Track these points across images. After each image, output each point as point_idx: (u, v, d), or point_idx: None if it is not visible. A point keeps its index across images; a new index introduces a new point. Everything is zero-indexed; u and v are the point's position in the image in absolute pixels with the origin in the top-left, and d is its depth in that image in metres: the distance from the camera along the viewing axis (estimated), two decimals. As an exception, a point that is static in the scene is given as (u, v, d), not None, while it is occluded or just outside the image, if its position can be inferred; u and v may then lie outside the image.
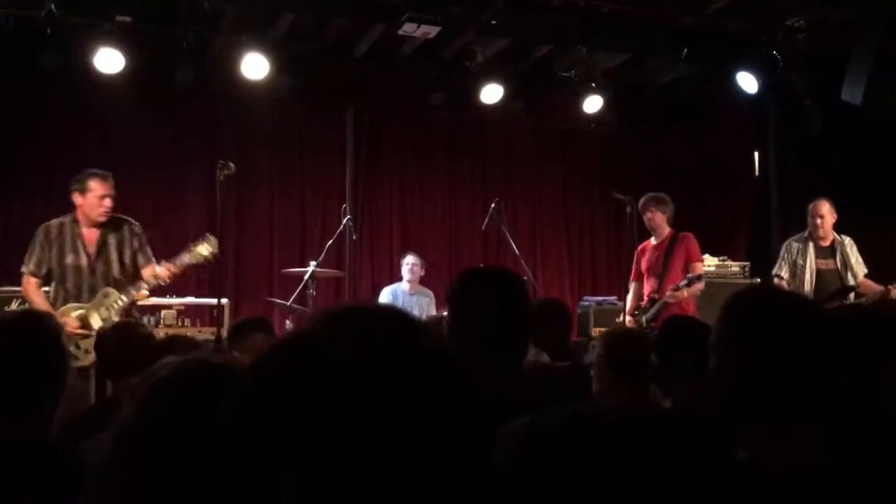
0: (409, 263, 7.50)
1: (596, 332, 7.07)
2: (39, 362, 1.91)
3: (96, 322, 5.01)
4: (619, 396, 2.91)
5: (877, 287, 6.16)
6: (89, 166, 7.33)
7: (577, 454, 1.04)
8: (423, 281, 7.53)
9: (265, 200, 8.00)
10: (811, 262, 6.40)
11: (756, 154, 8.71)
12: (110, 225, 5.19)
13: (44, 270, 5.12)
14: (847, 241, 6.41)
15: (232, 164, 5.31)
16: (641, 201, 6.39)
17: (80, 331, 4.96)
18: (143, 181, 7.56)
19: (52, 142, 7.30)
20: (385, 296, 7.50)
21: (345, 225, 7.04)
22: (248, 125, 7.78)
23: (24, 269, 5.17)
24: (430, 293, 7.56)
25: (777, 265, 6.60)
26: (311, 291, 6.70)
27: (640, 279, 6.50)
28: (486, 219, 7.33)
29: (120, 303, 5.06)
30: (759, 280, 7.24)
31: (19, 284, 6.38)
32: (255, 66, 6.74)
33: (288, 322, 6.96)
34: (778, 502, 1.38)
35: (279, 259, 7.80)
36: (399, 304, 7.35)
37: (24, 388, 1.88)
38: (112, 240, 5.19)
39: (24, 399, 1.88)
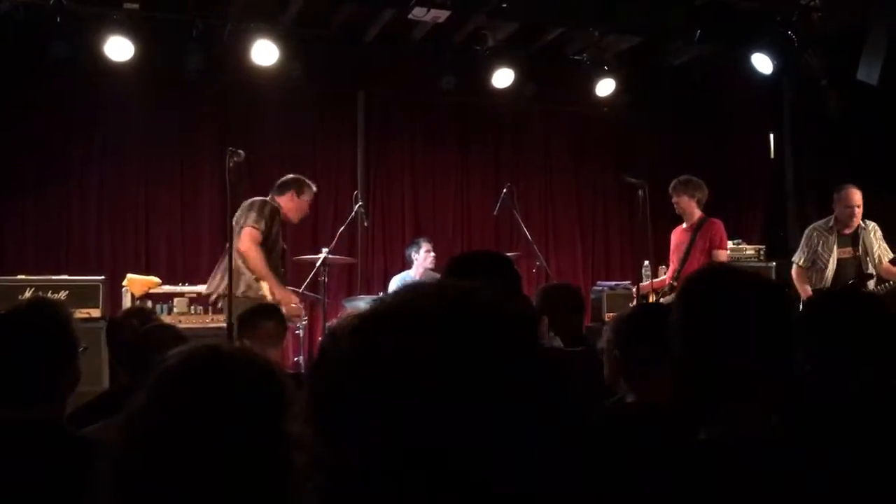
0: (427, 249, 7.38)
1: (609, 317, 7.03)
2: (52, 350, 1.92)
3: None
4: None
5: None
6: (101, 154, 7.40)
7: None
8: (434, 266, 7.48)
9: (276, 187, 7.97)
10: (834, 252, 6.17)
11: (771, 136, 8.62)
12: None
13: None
14: (871, 226, 6.19)
15: (241, 152, 5.26)
16: (671, 185, 6.28)
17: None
18: (155, 169, 7.56)
19: (63, 130, 7.30)
20: (395, 284, 7.47)
21: (356, 211, 7.02)
22: (259, 112, 7.75)
23: (255, 227, 5.29)
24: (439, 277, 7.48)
25: (797, 254, 6.37)
26: (324, 279, 6.69)
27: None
28: (499, 204, 7.28)
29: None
30: (775, 263, 7.18)
31: (53, 273, 6.33)
32: (264, 52, 6.73)
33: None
34: (736, 476, 1.35)
35: (291, 246, 7.78)
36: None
37: (38, 376, 1.89)
38: None
39: (39, 386, 1.90)
